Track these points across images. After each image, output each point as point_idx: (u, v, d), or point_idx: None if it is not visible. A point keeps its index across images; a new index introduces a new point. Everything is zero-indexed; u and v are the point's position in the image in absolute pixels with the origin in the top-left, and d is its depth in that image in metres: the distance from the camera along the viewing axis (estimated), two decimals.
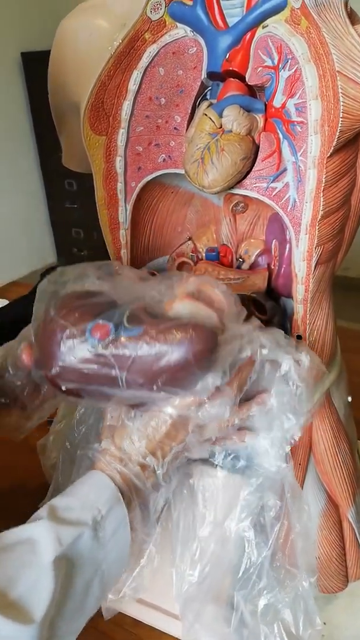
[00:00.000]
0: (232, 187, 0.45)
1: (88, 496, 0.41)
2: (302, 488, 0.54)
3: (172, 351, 0.37)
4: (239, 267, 0.53)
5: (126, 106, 0.48)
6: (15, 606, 0.35)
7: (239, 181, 0.45)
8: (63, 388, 0.41)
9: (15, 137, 2.63)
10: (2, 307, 0.93)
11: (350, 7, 0.38)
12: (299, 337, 0.49)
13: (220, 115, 0.44)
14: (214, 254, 0.54)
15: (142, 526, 0.44)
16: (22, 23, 2.51)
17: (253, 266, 0.52)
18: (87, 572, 0.39)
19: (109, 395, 0.41)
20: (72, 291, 0.42)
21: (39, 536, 0.38)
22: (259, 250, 0.51)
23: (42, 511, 0.40)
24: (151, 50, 0.46)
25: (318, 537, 0.54)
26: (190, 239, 0.56)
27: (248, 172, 0.45)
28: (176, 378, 0.39)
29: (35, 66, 2.51)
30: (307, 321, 0.48)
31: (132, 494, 0.42)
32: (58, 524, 0.39)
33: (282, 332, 0.42)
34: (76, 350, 0.39)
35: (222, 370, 0.39)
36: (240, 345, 0.40)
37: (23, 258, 2.72)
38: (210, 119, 0.44)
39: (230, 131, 0.43)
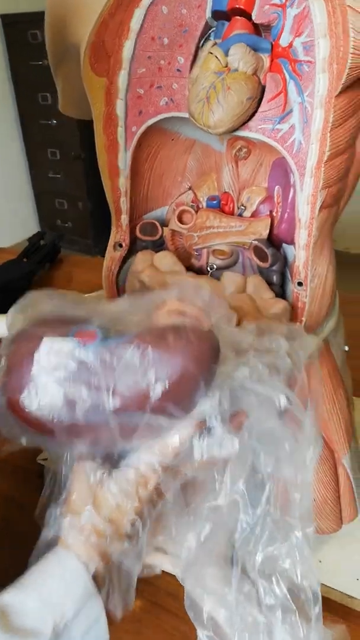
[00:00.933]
0: (237, 129, 0.45)
1: (51, 594, 0.31)
2: None
3: (170, 358, 0.31)
4: (240, 215, 0.53)
5: (128, 46, 0.47)
6: None
7: (244, 122, 0.45)
8: (32, 417, 0.32)
9: None
10: None
11: None
12: (300, 284, 0.49)
13: (226, 54, 0.43)
14: (215, 202, 0.53)
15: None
16: None
17: (255, 214, 0.52)
18: None
19: (87, 430, 0.33)
20: (49, 311, 0.36)
21: None
22: (261, 198, 0.51)
23: None
24: None
25: (314, 480, 0.55)
26: (190, 188, 0.56)
27: (253, 114, 0.45)
28: (175, 393, 0.32)
29: (16, 29, 2.42)
30: (309, 267, 0.48)
31: (112, 575, 0.34)
32: (6, 633, 0.30)
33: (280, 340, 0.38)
34: (54, 362, 0.31)
35: (218, 397, 0.33)
36: (235, 366, 0.35)
37: (5, 229, 2.67)
38: (216, 57, 0.43)
39: (237, 70, 0.43)
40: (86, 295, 0.51)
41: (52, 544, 0.34)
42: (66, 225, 2.77)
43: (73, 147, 2.54)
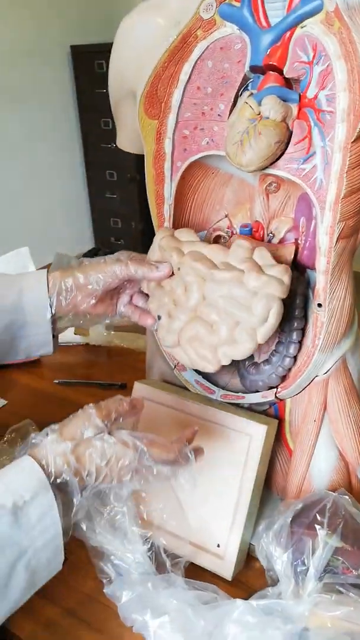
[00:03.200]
0: (266, 168, 0.52)
1: (12, 481, 0.41)
2: (316, 444, 0.60)
3: None
4: (269, 241, 0.59)
5: (176, 94, 0.55)
6: None
7: (272, 162, 0.51)
8: None
9: (63, 129, 2.74)
10: None
11: None
12: (319, 305, 0.55)
13: (260, 104, 0.50)
14: (247, 229, 0.60)
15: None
16: (71, 17, 2.60)
17: (282, 241, 0.58)
18: (7, 554, 0.40)
19: None
20: None
21: None
22: (288, 227, 0.57)
23: None
24: (201, 46, 0.53)
25: (328, 489, 0.59)
26: (226, 216, 0.62)
27: (281, 155, 0.51)
28: None
29: (83, 59, 2.61)
30: (328, 291, 0.54)
31: (58, 479, 0.43)
32: None
33: None
34: None
35: None
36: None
37: (63, 244, 2.82)
38: (251, 106, 0.50)
39: (268, 118, 0.49)
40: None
41: None
42: (119, 242, 2.91)
43: (129, 170, 2.67)
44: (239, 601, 0.50)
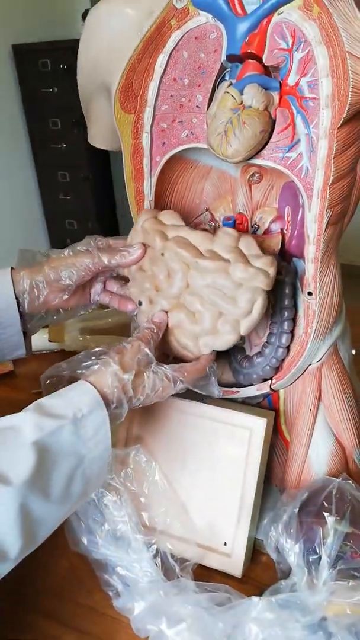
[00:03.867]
0: (251, 158, 0.51)
1: (72, 399, 0.45)
2: (313, 432, 0.60)
3: None
4: (254, 233, 0.58)
5: (152, 86, 0.54)
6: None
7: (257, 152, 0.51)
8: None
9: (7, 129, 2.65)
10: None
11: None
12: (310, 294, 0.55)
13: (241, 93, 0.49)
14: (230, 222, 0.59)
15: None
16: (13, 16, 2.52)
17: (267, 232, 0.58)
18: (68, 462, 0.44)
19: None
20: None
21: (21, 423, 0.43)
22: (272, 217, 0.57)
23: (29, 406, 0.45)
24: (176, 36, 0.51)
25: (326, 475, 0.60)
26: (207, 209, 0.61)
27: (265, 144, 0.51)
28: None
29: (26, 58, 2.53)
30: (317, 279, 0.54)
31: (113, 402, 0.47)
32: (40, 415, 0.43)
33: None
34: None
35: None
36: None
37: (16, 250, 2.74)
38: (232, 96, 0.49)
39: (250, 107, 0.49)
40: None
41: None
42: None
43: (82, 170, 2.62)
44: (255, 599, 0.49)
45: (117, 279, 0.61)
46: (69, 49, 2.43)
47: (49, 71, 2.50)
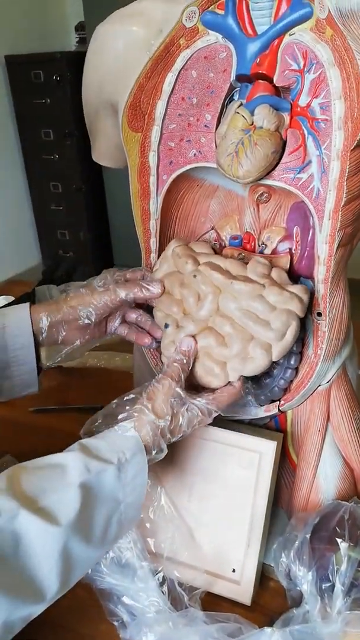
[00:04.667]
0: (262, 178, 0.50)
1: (116, 442, 0.46)
2: (321, 454, 0.59)
3: None
4: (261, 252, 0.57)
5: (160, 105, 0.53)
6: (44, 511, 0.40)
7: (268, 172, 0.50)
8: None
9: (0, 140, 2.64)
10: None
11: None
12: (319, 314, 0.54)
13: (252, 113, 0.49)
14: (237, 241, 0.58)
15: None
16: (5, 27, 2.52)
17: (274, 251, 0.57)
18: (108, 506, 0.44)
19: None
20: None
21: (70, 463, 0.43)
22: (280, 237, 0.56)
23: (74, 446, 0.45)
24: (185, 55, 0.51)
25: (335, 497, 0.59)
26: (213, 228, 0.61)
27: (276, 165, 0.50)
28: None
29: (19, 69, 2.52)
30: (327, 299, 0.53)
31: (153, 448, 0.48)
32: (88, 456, 0.44)
33: None
34: None
35: None
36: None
37: (8, 260, 2.72)
38: (243, 116, 0.48)
39: (262, 127, 0.48)
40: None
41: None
42: (67, 255, 2.83)
43: (75, 181, 2.61)
44: (268, 630, 0.48)
45: (135, 308, 0.60)
46: (61, 60, 2.43)
47: (41, 82, 2.50)
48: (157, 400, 0.49)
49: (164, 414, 0.48)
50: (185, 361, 0.51)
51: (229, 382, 0.52)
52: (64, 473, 0.42)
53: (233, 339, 0.50)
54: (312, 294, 0.54)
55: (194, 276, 0.52)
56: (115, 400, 0.51)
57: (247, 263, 0.54)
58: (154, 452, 0.48)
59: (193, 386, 0.53)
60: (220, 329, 0.51)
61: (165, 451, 0.49)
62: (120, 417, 0.49)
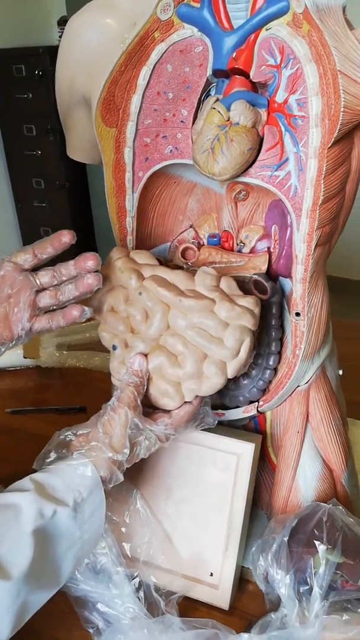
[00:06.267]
0: (238, 175, 0.49)
1: (73, 479, 0.45)
2: (300, 455, 0.58)
3: None
4: (239, 251, 0.56)
5: (135, 100, 0.52)
6: None
7: (245, 170, 0.49)
8: None
9: None
10: None
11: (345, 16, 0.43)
12: (298, 314, 0.53)
13: (228, 109, 0.47)
14: (215, 239, 0.57)
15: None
16: None
17: (253, 250, 0.56)
18: (62, 546, 0.44)
19: None
20: None
21: (24, 505, 0.42)
22: (258, 235, 0.55)
23: (28, 483, 0.44)
24: (160, 48, 0.50)
25: (314, 499, 0.58)
26: (191, 226, 0.59)
27: (253, 162, 0.49)
28: None
29: (1, 64, 2.48)
30: (306, 299, 0.52)
31: (110, 482, 0.47)
32: (42, 498, 0.43)
33: None
34: None
35: None
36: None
37: None
38: (219, 112, 0.47)
39: (238, 124, 0.47)
40: None
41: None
42: None
43: (58, 177, 2.58)
44: (244, 636, 0.47)
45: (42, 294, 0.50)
46: (44, 55, 2.39)
47: (23, 77, 2.45)
48: (114, 436, 0.47)
49: (122, 449, 0.47)
50: (139, 382, 0.49)
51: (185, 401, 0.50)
52: (16, 518, 0.41)
53: (186, 358, 0.47)
54: (290, 293, 0.53)
55: (139, 293, 0.49)
56: (68, 433, 0.49)
57: (194, 273, 0.51)
58: (110, 485, 0.47)
59: (148, 404, 0.51)
60: (172, 348, 0.48)
61: (122, 479, 0.48)
62: (75, 454, 0.47)
